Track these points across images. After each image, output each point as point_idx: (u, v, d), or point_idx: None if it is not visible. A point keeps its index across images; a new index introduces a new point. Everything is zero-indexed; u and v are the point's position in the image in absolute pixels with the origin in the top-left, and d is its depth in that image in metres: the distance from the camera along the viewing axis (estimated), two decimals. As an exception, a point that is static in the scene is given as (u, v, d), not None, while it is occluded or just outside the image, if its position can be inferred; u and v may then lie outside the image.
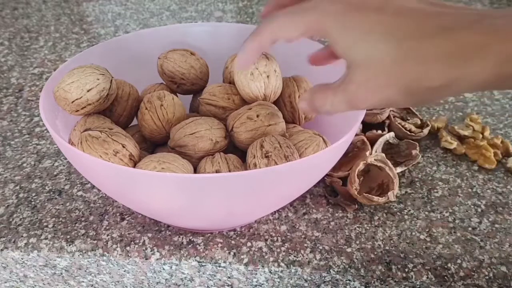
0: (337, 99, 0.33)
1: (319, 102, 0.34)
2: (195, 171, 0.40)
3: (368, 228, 0.44)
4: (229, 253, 0.41)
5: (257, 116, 0.41)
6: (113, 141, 0.37)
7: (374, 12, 0.30)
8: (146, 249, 0.41)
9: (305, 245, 0.42)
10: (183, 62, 0.46)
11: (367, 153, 0.47)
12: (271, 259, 0.41)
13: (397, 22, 0.30)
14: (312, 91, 0.35)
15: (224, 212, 0.39)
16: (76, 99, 0.40)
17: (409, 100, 0.31)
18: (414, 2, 0.31)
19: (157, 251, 0.41)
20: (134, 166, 0.38)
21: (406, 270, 0.40)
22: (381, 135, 0.50)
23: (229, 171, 0.38)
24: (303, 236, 0.43)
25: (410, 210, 0.46)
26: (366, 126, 0.53)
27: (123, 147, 0.38)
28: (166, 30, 0.52)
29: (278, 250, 0.41)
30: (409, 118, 0.56)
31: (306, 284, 0.41)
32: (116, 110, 0.44)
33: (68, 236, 0.42)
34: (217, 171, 0.38)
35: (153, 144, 0.44)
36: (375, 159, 0.47)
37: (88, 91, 0.40)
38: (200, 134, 0.40)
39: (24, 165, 0.50)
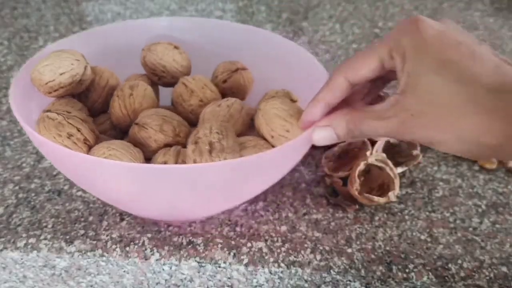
0: (381, 124, 0.31)
1: (353, 126, 0.33)
2: (151, 161, 0.40)
3: (368, 228, 0.44)
4: (229, 253, 0.41)
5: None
6: (68, 124, 0.39)
7: (453, 48, 0.29)
8: (146, 249, 0.41)
9: (305, 245, 0.42)
10: (165, 55, 0.47)
11: (368, 153, 0.47)
12: (271, 259, 0.41)
13: (473, 66, 0.29)
14: (340, 116, 0.33)
15: (166, 204, 0.39)
16: (49, 81, 0.42)
17: (458, 148, 0.29)
18: (487, 50, 0.30)
19: (157, 252, 0.41)
20: (89, 150, 0.39)
21: (407, 270, 0.40)
22: (382, 135, 0.50)
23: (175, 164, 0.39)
24: (303, 236, 0.43)
25: (410, 211, 0.46)
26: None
27: (78, 130, 0.39)
28: (156, 21, 0.53)
29: (278, 250, 0.41)
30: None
31: (306, 285, 0.41)
32: (92, 96, 0.46)
33: (68, 237, 0.42)
34: (164, 163, 0.39)
35: (121, 131, 0.45)
36: (375, 159, 0.46)
37: (61, 74, 0.42)
38: (167, 120, 0.41)
39: (24, 165, 0.50)
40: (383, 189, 0.46)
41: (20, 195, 0.46)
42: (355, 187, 0.45)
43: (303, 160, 0.51)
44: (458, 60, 0.29)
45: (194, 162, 0.36)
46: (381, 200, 0.44)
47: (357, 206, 0.45)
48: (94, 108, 0.46)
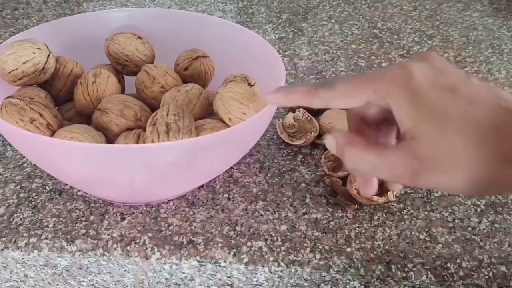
0: (381, 160, 0.30)
1: (356, 158, 0.31)
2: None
3: (367, 228, 0.44)
4: (229, 252, 0.41)
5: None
6: (31, 109, 0.40)
7: (448, 92, 0.29)
8: (147, 248, 0.41)
9: (305, 244, 0.42)
10: (128, 44, 0.49)
11: (367, 153, 0.47)
12: (271, 258, 0.41)
13: (472, 110, 0.29)
14: (348, 143, 0.32)
15: (127, 184, 0.40)
16: (13, 70, 0.43)
17: (474, 189, 0.29)
18: (479, 88, 0.30)
19: (157, 251, 0.41)
20: (52, 134, 0.40)
21: (406, 269, 0.40)
22: (381, 135, 0.50)
23: None
24: (303, 236, 0.43)
25: (409, 210, 0.46)
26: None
27: (40, 115, 0.40)
28: (121, 12, 0.55)
29: (278, 249, 0.41)
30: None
31: (306, 284, 0.41)
32: (56, 85, 0.47)
33: (69, 236, 0.42)
34: None
35: (87, 119, 0.46)
36: (374, 159, 0.47)
37: (23, 63, 0.43)
38: (129, 105, 0.42)
39: (25, 165, 0.50)
40: (382, 189, 0.46)
41: (21, 195, 0.46)
42: (354, 187, 0.45)
43: (302, 160, 0.51)
44: (456, 107, 0.29)
45: (152, 142, 0.37)
46: (380, 199, 0.45)
47: (356, 206, 0.46)
48: (59, 96, 0.47)
